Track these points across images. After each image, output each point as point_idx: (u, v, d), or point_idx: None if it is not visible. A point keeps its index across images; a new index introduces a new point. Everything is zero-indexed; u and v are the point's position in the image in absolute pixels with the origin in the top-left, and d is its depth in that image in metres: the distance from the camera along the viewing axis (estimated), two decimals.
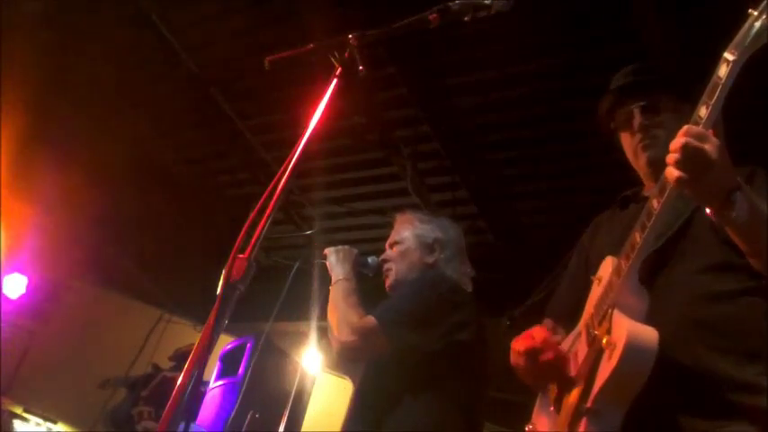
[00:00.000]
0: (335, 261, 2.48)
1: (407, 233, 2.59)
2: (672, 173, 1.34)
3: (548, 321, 1.96)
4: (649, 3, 3.23)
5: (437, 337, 2.22)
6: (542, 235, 4.90)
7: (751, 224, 1.37)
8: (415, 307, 2.25)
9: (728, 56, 1.28)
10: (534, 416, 1.78)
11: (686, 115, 1.69)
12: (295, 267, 2.49)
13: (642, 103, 1.77)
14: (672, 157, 1.33)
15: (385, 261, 2.58)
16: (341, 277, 2.41)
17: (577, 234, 2.08)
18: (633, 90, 1.81)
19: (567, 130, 4.02)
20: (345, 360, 2.38)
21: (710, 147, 1.30)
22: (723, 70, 1.29)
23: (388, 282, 2.56)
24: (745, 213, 1.33)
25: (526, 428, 1.79)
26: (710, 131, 1.32)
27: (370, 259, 2.58)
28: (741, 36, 1.28)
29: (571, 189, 4.44)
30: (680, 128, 1.59)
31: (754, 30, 1.27)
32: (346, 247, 2.55)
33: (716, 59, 1.68)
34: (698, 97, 1.73)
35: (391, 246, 2.62)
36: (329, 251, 2.53)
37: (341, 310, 2.28)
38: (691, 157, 1.30)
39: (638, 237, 1.46)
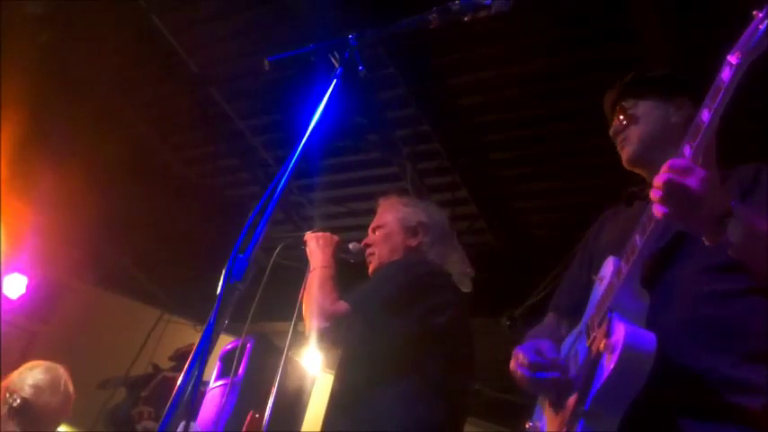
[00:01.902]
0: (315, 248, 2.42)
1: (390, 217, 2.56)
2: (656, 210, 1.31)
3: (551, 316, 1.95)
4: (649, 3, 3.23)
5: (413, 319, 2.18)
6: (542, 235, 4.90)
7: (746, 245, 1.33)
8: (390, 290, 2.22)
9: (732, 59, 1.24)
10: (536, 414, 1.78)
11: (666, 112, 1.76)
12: (270, 264, 2.43)
13: (618, 108, 1.85)
14: (655, 194, 1.30)
15: (367, 245, 2.54)
16: (319, 265, 2.35)
17: (577, 234, 2.08)
18: (618, 96, 1.88)
19: (566, 130, 4.02)
20: (322, 347, 2.32)
21: (695, 181, 1.26)
22: (726, 74, 1.25)
23: (372, 266, 2.52)
24: (738, 238, 1.30)
25: (526, 426, 1.78)
26: (695, 165, 1.28)
27: (351, 245, 2.53)
28: (745, 39, 1.23)
29: (571, 189, 4.43)
30: (659, 123, 1.67)
31: (759, 33, 1.22)
32: (327, 233, 2.50)
33: (716, 59, 1.67)
34: (692, 94, 1.76)
35: (374, 230, 2.58)
36: (309, 237, 2.47)
37: (315, 298, 2.23)
38: (675, 194, 1.28)
39: (638, 239, 1.45)
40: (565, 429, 1.50)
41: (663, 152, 1.73)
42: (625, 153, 1.80)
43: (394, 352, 2.18)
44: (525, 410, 1.83)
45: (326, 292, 2.24)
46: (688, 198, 1.27)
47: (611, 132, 1.84)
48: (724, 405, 1.39)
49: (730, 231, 1.30)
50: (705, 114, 1.28)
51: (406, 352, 2.18)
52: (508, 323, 4.41)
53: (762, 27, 1.22)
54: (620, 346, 1.36)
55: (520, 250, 4.93)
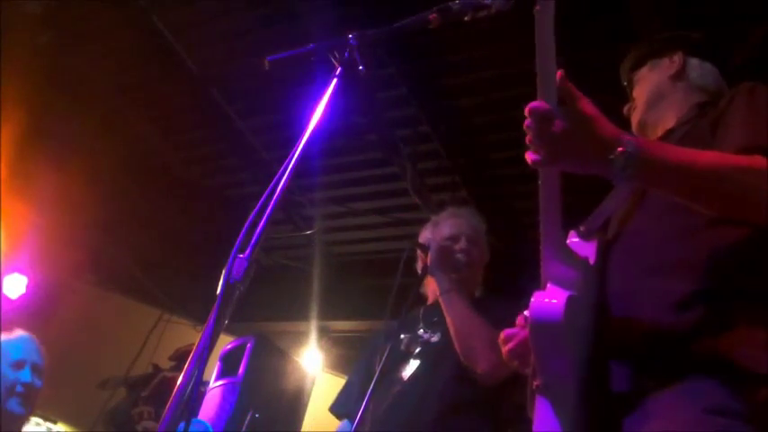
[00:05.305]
0: (437, 267, 2.35)
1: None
2: (528, 158, 1.27)
3: None
4: (650, 3, 3.23)
5: None
6: None
7: (654, 179, 1.26)
8: None
9: (537, 8, 1.30)
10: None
11: (660, 69, 1.78)
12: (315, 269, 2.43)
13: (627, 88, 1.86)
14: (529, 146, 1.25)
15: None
16: (453, 288, 2.32)
17: None
18: (623, 78, 1.89)
19: None
20: (492, 384, 2.27)
21: (560, 122, 1.23)
22: (536, 23, 1.31)
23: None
24: (632, 171, 1.23)
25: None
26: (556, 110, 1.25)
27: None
28: None
29: (571, 189, 4.43)
30: (655, 81, 1.73)
31: None
32: (445, 245, 2.44)
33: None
34: (685, 47, 1.80)
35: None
36: (434, 250, 2.38)
37: (482, 331, 2.21)
38: (539, 137, 1.26)
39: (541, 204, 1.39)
40: (532, 413, 1.45)
41: (667, 109, 1.73)
42: (632, 123, 1.78)
43: None
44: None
45: (482, 322, 2.23)
46: (549, 135, 1.24)
47: (624, 112, 1.81)
48: (679, 359, 1.23)
49: (618, 165, 1.22)
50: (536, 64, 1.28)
51: None
52: None
53: None
54: (529, 318, 1.33)
55: (520, 250, 4.93)
